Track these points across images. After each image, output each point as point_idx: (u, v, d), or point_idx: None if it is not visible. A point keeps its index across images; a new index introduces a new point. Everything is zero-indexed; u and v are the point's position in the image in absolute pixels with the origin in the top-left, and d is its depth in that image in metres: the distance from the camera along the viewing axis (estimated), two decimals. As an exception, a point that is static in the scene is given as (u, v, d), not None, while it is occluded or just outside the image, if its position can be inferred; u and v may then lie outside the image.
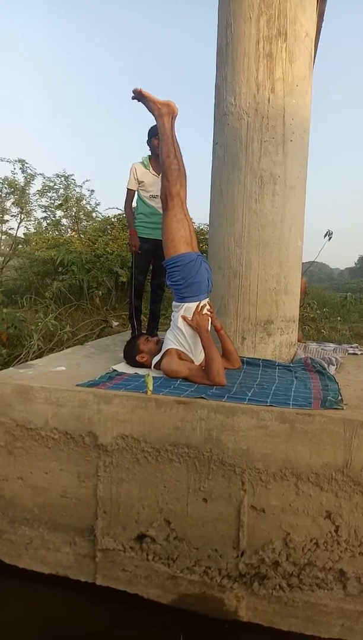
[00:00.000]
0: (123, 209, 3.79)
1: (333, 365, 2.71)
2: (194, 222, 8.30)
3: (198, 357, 2.37)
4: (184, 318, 2.33)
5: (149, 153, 3.53)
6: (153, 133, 3.39)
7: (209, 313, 2.36)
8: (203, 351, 2.34)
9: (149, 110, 2.47)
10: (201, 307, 2.35)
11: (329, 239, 5.19)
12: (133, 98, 2.49)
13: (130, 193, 3.57)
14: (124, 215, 3.83)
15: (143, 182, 3.49)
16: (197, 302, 2.36)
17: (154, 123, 2.96)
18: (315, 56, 3.14)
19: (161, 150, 2.46)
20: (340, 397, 2.00)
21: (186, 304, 2.36)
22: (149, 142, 3.48)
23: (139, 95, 2.45)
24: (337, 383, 2.29)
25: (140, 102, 2.49)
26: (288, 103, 2.67)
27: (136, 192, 3.57)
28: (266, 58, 2.65)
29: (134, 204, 3.68)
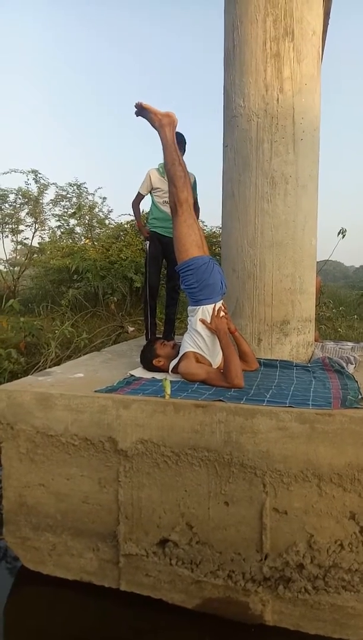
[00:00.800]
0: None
1: (352, 364, 2.68)
2: (206, 225, 8.29)
3: (216, 360, 2.37)
4: (203, 321, 2.33)
5: None
6: None
7: (224, 314, 2.36)
8: (220, 353, 2.34)
9: (150, 122, 2.53)
10: (218, 309, 2.35)
11: (343, 237, 5.15)
12: (136, 114, 2.55)
13: (139, 196, 3.68)
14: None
15: (157, 188, 3.57)
16: (213, 305, 2.36)
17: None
18: (322, 54, 3.12)
19: (165, 159, 2.51)
20: (360, 396, 1.98)
21: (202, 307, 2.36)
22: None
23: (140, 109, 2.51)
24: (357, 382, 2.26)
25: (141, 116, 2.55)
26: (297, 102, 2.66)
27: (146, 197, 3.66)
28: (273, 58, 2.65)
29: (147, 208, 3.80)
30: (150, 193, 3.66)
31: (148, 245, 3.69)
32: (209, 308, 2.35)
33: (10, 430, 2.14)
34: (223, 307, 2.40)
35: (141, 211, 3.90)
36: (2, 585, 2.20)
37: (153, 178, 3.57)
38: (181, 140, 3.37)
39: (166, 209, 3.51)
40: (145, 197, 3.68)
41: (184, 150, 3.46)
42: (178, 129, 3.13)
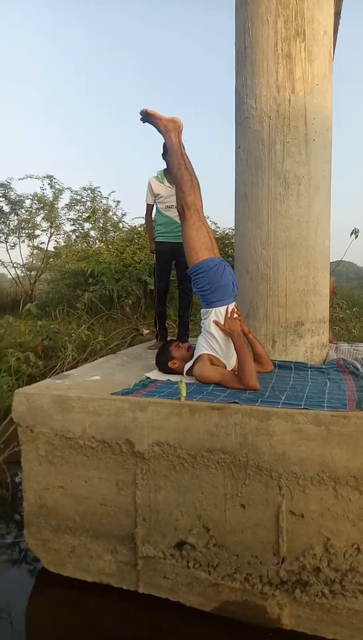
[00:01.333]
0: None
1: (368, 365, 2.66)
2: (218, 227, 8.28)
3: (230, 362, 2.38)
4: (216, 323, 2.34)
5: (165, 166, 3.62)
6: (166, 150, 3.46)
7: (238, 316, 2.37)
8: (234, 355, 2.34)
9: (156, 128, 2.57)
10: (231, 311, 2.36)
11: (355, 237, 5.08)
12: (142, 120, 2.59)
13: (148, 207, 3.77)
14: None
15: (158, 194, 3.63)
16: (226, 306, 2.37)
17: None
18: (333, 54, 3.11)
19: (172, 164, 2.55)
20: (376, 398, 1.96)
21: (215, 309, 2.37)
22: (163, 156, 3.56)
23: (145, 115, 2.55)
24: (373, 383, 2.24)
25: (146, 122, 2.59)
26: (309, 102, 2.65)
27: (154, 205, 3.73)
28: (285, 59, 2.65)
29: (153, 215, 3.84)
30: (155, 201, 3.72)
31: (155, 257, 3.76)
32: (222, 310, 2.36)
33: (29, 433, 2.17)
34: (236, 309, 2.40)
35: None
36: (23, 586, 2.24)
37: (154, 186, 3.64)
38: None
39: (169, 213, 3.59)
40: (154, 205, 3.74)
41: None
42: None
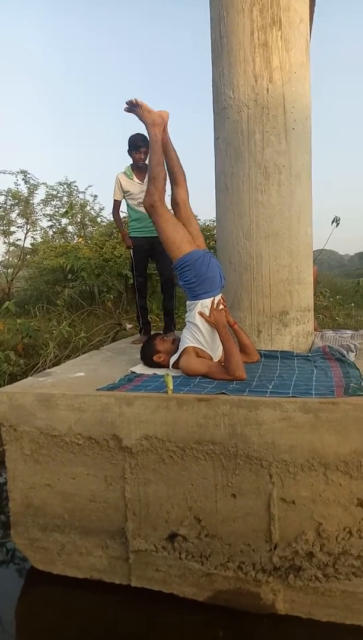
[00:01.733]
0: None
1: (353, 351, 2.69)
2: (199, 219, 8.26)
3: (216, 353, 2.37)
4: (201, 314, 2.33)
5: (131, 162, 3.59)
6: (133, 146, 3.48)
7: (223, 307, 2.36)
8: (220, 347, 2.33)
9: (141, 119, 2.52)
10: (217, 303, 2.34)
11: (337, 226, 5.14)
12: (126, 109, 2.54)
13: (116, 203, 3.72)
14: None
15: (128, 191, 3.59)
16: (212, 298, 2.35)
17: (134, 133, 3.32)
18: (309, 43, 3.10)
19: (150, 158, 2.49)
20: (362, 384, 1.98)
21: (201, 301, 2.35)
22: (129, 153, 3.54)
23: (131, 106, 2.50)
24: (358, 369, 2.26)
25: (131, 113, 2.54)
26: (287, 91, 2.65)
27: (122, 201, 3.69)
28: (262, 48, 2.63)
29: (123, 213, 3.86)
30: (124, 197, 3.67)
31: (132, 252, 3.71)
32: (207, 302, 2.35)
33: (13, 432, 2.13)
34: (222, 300, 2.39)
35: (122, 217, 3.93)
36: (12, 586, 2.21)
37: (123, 182, 3.59)
38: (143, 144, 3.39)
39: (141, 208, 3.50)
40: (122, 202, 3.70)
41: (146, 154, 3.39)
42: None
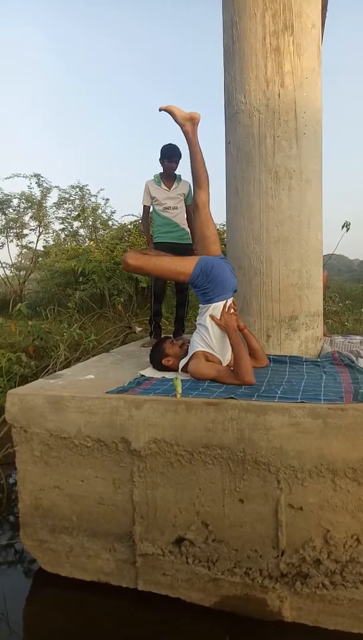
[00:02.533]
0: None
1: (362, 357, 2.67)
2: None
3: (225, 358, 2.37)
4: (212, 317, 2.33)
5: (162, 170, 3.72)
6: (165, 155, 3.59)
7: (234, 311, 2.36)
8: (229, 351, 2.33)
9: (175, 119, 2.58)
10: (228, 307, 2.35)
11: (347, 230, 5.11)
12: (160, 109, 2.61)
13: (145, 208, 3.85)
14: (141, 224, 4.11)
15: (155, 197, 3.69)
16: (224, 301, 2.36)
17: (166, 143, 3.57)
18: (321, 48, 3.10)
19: (192, 158, 2.57)
20: (372, 390, 1.97)
21: (213, 304, 2.35)
22: (161, 161, 3.66)
23: (166, 109, 2.58)
24: (368, 375, 2.25)
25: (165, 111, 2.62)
26: (299, 96, 2.65)
27: (151, 207, 3.80)
28: (274, 53, 2.64)
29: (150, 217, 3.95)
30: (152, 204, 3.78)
31: None
32: (219, 305, 2.35)
33: (23, 433, 2.15)
34: (233, 304, 2.40)
35: (149, 224, 4.02)
36: (20, 587, 2.22)
37: (151, 188, 3.70)
38: (177, 153, 3.56)
39: (167, 214, 3.68)
40: (150, 207, 3.81)
41: (178, 164, 3.63)
42: (173, 142, 3.60)
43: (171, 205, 3.66)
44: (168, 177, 3.67)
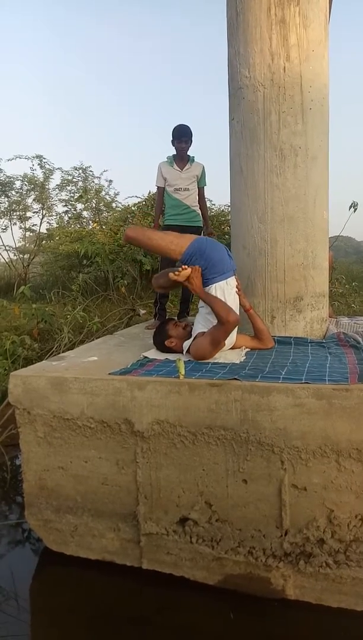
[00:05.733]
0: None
1: (368, 338, 2.64)
2: (214, 204, 8.15)
3: (229, 340, 2.34)
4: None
5: (174, 152, 3.71)
6: (174, 135, 3.61)
7: (238, 291, 2.33)
8: (234, 334, 2.31)
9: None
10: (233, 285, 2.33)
11: (354, 211, 5.01)
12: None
13: (159, 190, 3.82)
14: (154, 205, 4.06)
15: (166, 178, 3.69)
16: (226, 280, 2.32)
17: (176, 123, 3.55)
18: (329, 18, 3.00)
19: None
20: (378, 370, 1.95)
21: (216, 284, 2.32)
22: (173, 143, 3.65)
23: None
24: (373, 356, 2.22)
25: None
26: (305, 70, 2.57)
27: (164, 189, 3.77)
28: (279, 25, 2.55)
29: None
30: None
31: None
32: (223, 284, 2.31)
33: (27, 415, 2.15)
34: (236, 283, 2.37)
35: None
36: (27, 565, 2.25)
37: (163, 169, 3.70)
38: (186, 133, 3.57)
39: (177, 195, 3.68)
40: (164, 188, 3.77)
41: (191, 142, 3.64)
42: (183, 122, 3.62)
43: (182, 186, 3.65)
44: (181, 158, 3.67)
